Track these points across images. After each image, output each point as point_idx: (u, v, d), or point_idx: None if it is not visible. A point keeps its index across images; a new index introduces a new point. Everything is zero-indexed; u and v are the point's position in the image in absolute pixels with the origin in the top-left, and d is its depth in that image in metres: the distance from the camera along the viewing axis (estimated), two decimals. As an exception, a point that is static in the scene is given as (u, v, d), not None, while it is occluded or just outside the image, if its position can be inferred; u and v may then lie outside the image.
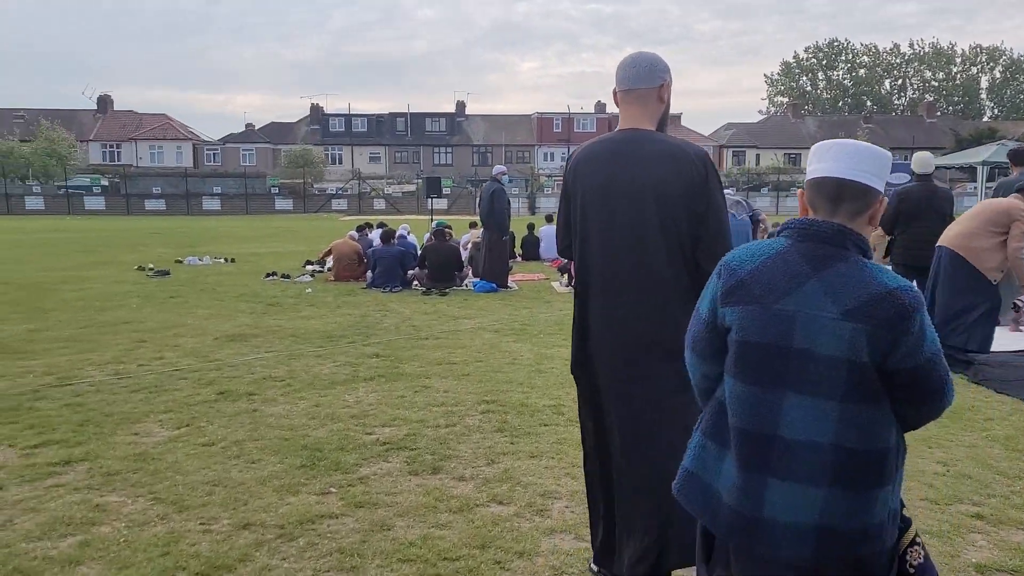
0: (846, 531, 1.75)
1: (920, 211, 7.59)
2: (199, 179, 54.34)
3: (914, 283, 1.83)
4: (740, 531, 1.83)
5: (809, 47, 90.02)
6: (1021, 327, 7.94)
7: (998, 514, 3.76)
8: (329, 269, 13.85)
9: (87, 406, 5.53)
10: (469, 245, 14.50)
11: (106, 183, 51.86)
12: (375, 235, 13.90)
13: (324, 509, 3.78)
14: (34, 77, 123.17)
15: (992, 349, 6.74)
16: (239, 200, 49.95)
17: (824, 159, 1.91)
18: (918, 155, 8.10)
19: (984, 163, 19.72)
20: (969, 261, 6.66)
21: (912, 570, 1.88)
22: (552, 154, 65.55)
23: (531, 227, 18.07)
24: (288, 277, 13.52)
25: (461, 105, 70.69)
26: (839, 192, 1.87)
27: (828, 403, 1.75)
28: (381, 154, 66.96)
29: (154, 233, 27.32)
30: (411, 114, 68.09)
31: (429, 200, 19.90)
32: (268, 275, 13.76)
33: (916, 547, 1.90)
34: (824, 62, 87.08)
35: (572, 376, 3.08)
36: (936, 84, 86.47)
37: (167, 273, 14.06)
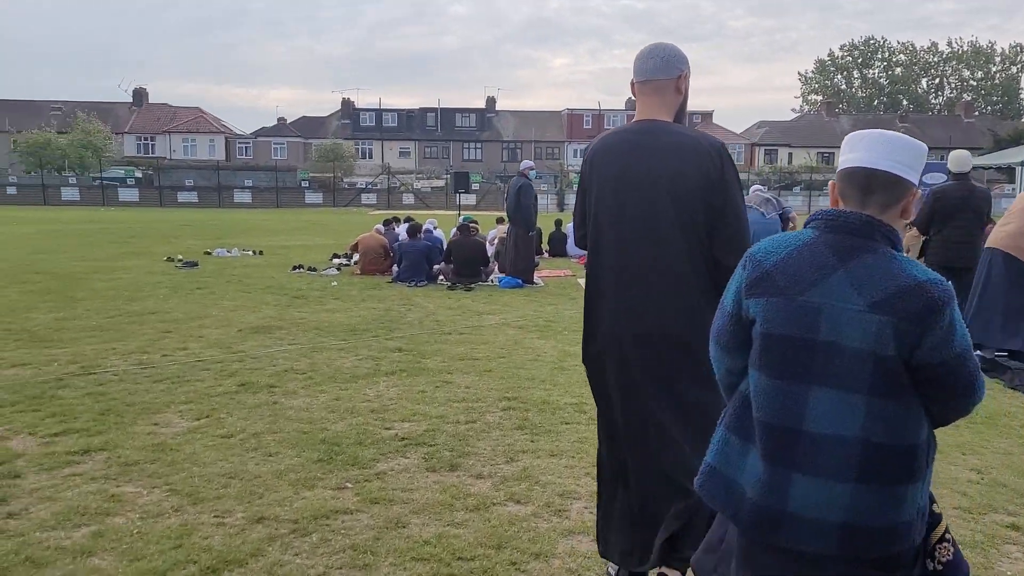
0: (873, 529, 1.71)
1: (957, 210, 7.38)
2: (231, 172, 54.74)
3: (942, 277, 1.76)
4: (764, 526, 1.79)
5: (845, 45, 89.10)
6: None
7: (1035, 525, 3.62)
8: (356, 263, 13.87)
9: (109, 395, 5.54)
10: (496, 240, 14.45)
11: (140, 175, 52.49)
12: (402, 229, 13.88)
13: (339, 504, 3.73)
14: (72, 70, 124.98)
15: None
16: (270, 193, 50.33)
17: (856, 149, 1.87)
18: (955, 153, 7.88)
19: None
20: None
21: (940, 567, 1.83)
22: (581, 151, 65.26)
23: (558, 223, 17.96)
24: (315, 270, 13.55)
25: (491, 101, 70.66)
26: (869, 182, 1.82)
27: (855, 396, 1.71)
28: (411, 149, 67.11)
29: (185, 225, 27.58)
30: (441, 109, 68.18)
31: (457, 195, 19.88)
32: (295, 268, 13.82)
33: (946, 543, 1.86)
34: (860, 60, 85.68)
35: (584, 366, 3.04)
36: (974, 83, 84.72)
37: (195, 264, 14.15)
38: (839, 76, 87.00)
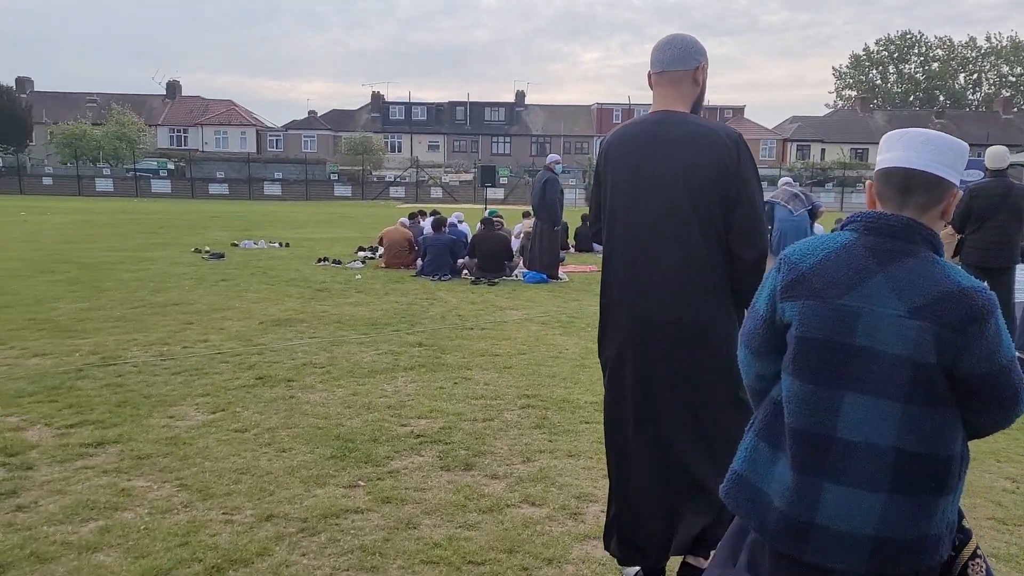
0: (903, 542, 1.65)
1: (994, 209, 7.14)
2: (261, 164, 55.21)
3: (985, 284, 1.69)
4: (790, 537, 1.71)
5: (880, 39, 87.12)
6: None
7: (1073, 539, 3.46)
8: (381, 256, 13.85)
9: (127, 387, 5.52)
10: (521, 235, 14.35)
11: (172, 167, 53.17)
12: (426, 223, 13.84)
13: (350, 503, 3.66)
14: (107, 62, 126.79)
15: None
16: (299, 186, 50.68)
17: (894, 148, 1.79)
18: (992, 149, 7.63)
19: (1064, 161, 18.80)
20: None
21: None
22: (611, 146, 64.84)
23: (585, 218, 17.82)
24: (339, 263, 13.55)
25: (521, 95, 70.52)
26: (908, 183, 1.75)
27: (890, 404, 1.64)
28: (440, 143, 67.17)
29: (214, 216, 27.79)
30: (470, 103, 68.14)
31: (484, 189, 19.82)
32: (320, 260, 13.83)
33: (978, 559, 1.79)
34: (896, 55, 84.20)
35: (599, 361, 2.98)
36: (1014, 79, 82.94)
37: (222, 256, 14.21)
38: (874, 71, 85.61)
